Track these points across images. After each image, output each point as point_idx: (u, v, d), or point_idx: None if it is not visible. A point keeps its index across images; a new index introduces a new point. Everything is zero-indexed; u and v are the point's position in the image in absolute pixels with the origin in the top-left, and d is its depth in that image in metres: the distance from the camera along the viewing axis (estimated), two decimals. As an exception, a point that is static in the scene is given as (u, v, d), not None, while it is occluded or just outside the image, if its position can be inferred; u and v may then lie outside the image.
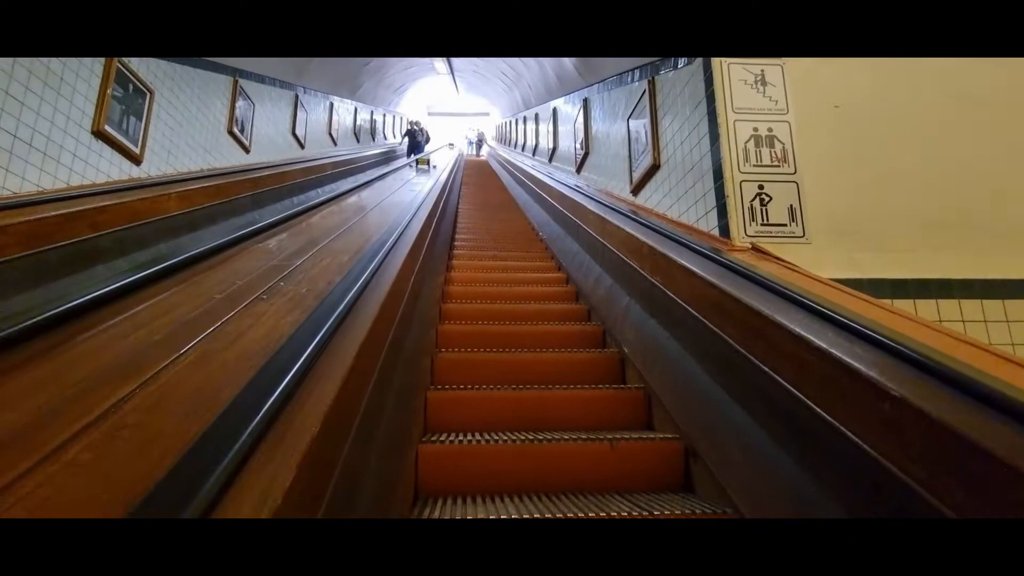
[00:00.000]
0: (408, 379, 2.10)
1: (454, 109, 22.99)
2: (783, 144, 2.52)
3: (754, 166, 2.49)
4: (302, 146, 7.89)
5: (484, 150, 19.11)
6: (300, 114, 7.73)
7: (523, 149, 11.57)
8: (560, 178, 6.20)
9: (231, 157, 5.58)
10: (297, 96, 7.57)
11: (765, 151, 2.51)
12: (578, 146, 5.91)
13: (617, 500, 1.64)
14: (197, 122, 4.92)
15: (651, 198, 3.48)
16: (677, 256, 2.26)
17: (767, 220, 2.43)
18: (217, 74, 5.28)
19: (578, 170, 5.84)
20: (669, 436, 1.93)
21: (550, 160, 7.87)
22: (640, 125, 3.69)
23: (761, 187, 2.47)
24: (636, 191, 3.77)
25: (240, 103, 5.73)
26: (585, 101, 5.57)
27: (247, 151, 5.95)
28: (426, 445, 1.85)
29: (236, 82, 5.61)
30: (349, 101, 10.55)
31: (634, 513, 1.50)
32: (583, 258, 4.00)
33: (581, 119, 5.67)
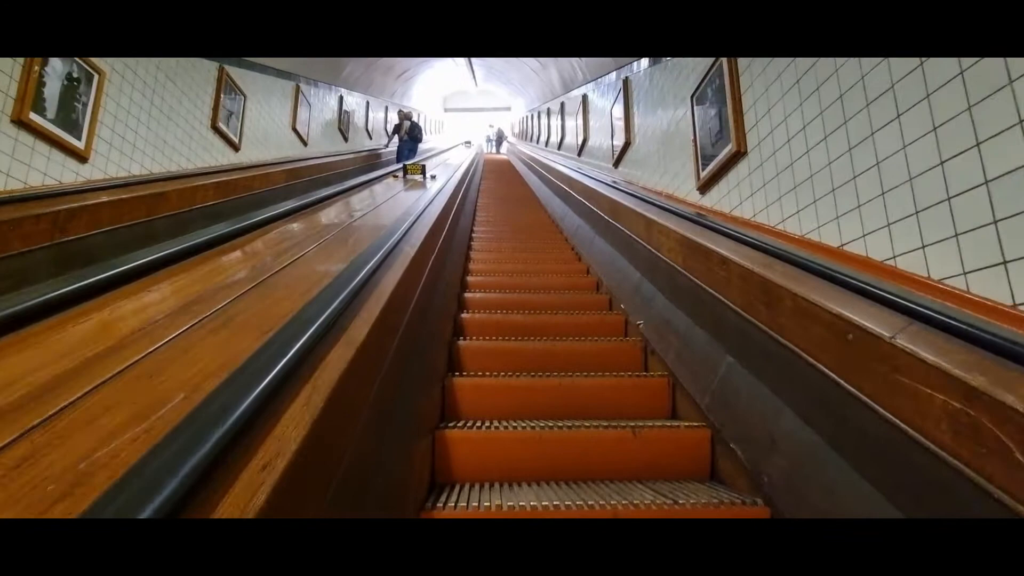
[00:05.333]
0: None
1: (472, 104, 21.80)
2: None
3: None
4: (236, 148, 5.22)
5: (504, 147, 18.46)
6: (231, 102, 5.04)
7: (560, 147, 8.74)
8: (641, 194, 3.40)
9: (50, 169, 2.91)
10: (224, 73, 4.87)
11: None
12: (702, 142, 3.09)
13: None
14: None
15: None
16: None
17: None
18: None
19: (703, 187, 3.00)
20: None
21: (616, 164, 5.05)
22: None
23: None
24: None
25: (69, 77, 3.06)
26: (732, 63, 2.74)
27: (84, 159, 3.27)
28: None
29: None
30: (328, 87, 7.87)
31: (658, 502, 1.46)
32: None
33: (722, 87, 2.86)
